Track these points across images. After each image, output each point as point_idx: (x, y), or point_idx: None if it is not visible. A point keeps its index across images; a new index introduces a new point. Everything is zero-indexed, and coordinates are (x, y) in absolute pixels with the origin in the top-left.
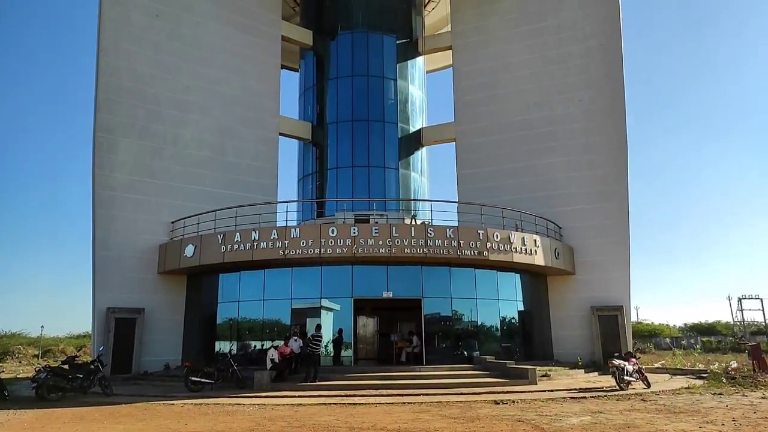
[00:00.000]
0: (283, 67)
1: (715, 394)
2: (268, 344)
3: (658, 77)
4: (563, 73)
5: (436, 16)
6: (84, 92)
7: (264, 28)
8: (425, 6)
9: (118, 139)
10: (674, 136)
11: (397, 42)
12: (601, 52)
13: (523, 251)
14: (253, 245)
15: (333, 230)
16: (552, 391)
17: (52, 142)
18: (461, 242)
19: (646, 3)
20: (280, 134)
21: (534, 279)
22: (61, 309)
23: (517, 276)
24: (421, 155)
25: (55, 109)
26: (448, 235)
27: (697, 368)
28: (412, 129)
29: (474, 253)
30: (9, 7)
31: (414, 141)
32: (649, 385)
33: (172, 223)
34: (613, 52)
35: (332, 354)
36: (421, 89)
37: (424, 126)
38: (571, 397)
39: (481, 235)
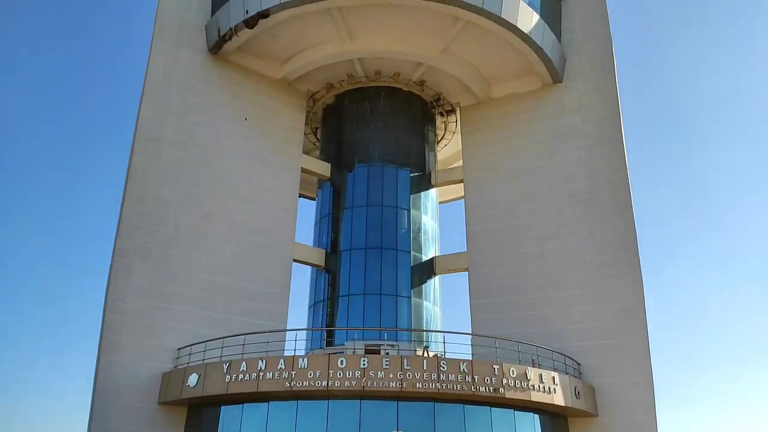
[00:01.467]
0: (300, 196)
1: None
2: None
3: (673, 219)
4: (572, 207)
5: (448, 151)
6: (102, 215)
7: (286, 161)
8: (438, 142)
9: (134, 264)
10: (695, 271)
11: (411, 174)
12: (609, 188)
13: (541, 389)
14: (259, 375)
15: (342, 361)
16: None
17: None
18: (476, 377)
19: (647, 138)
20: (294, 260)
21: (554, 421)
22: None
23: (536, 417)
24: (434, 284)
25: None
26: (462, 370)
27: None
28: (424, 258)
29: (489, 389)
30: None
31: (427, 270)
32: None
33: (178, 350)
34: (620, 187)
35: None
36: (434, 219)
37: (436, 255)
38: None
39: (496, 370)
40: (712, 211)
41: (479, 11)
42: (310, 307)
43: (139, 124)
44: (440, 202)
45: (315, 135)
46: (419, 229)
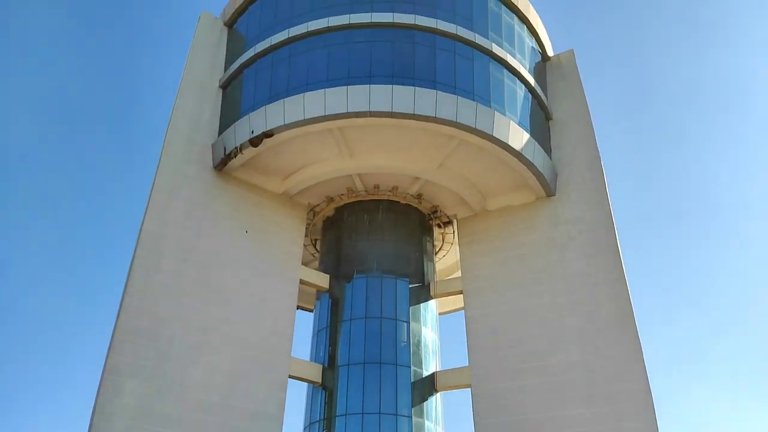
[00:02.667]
0: (298, 308)
1: None
2: None
3: (681, 327)
4: (575, 319)
5: (447, 261)
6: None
7: (285, 273)
8: (436, 253)
9: (124, 381)
10: (706, 385)
11: (410, 286)
12: (611, 298)
13: None
14: None
15: None
16: None
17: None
18: None
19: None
20: (290, 377)
21: None
22: None
23: None
24: (435, 401)
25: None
26: None
27: None
28: (425, 372)
29: None
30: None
31: (428, 386)
32: None
33: None
34: (622, 298)
35: None
36: (434, 331)
37: (438, 370)
38: None
39: None
40: (720, 318)
41: (472, 130)
42: (305, 429)
43: (141, 238)
44: (440, 314)
45: (314, 246)
46: (419, 342)
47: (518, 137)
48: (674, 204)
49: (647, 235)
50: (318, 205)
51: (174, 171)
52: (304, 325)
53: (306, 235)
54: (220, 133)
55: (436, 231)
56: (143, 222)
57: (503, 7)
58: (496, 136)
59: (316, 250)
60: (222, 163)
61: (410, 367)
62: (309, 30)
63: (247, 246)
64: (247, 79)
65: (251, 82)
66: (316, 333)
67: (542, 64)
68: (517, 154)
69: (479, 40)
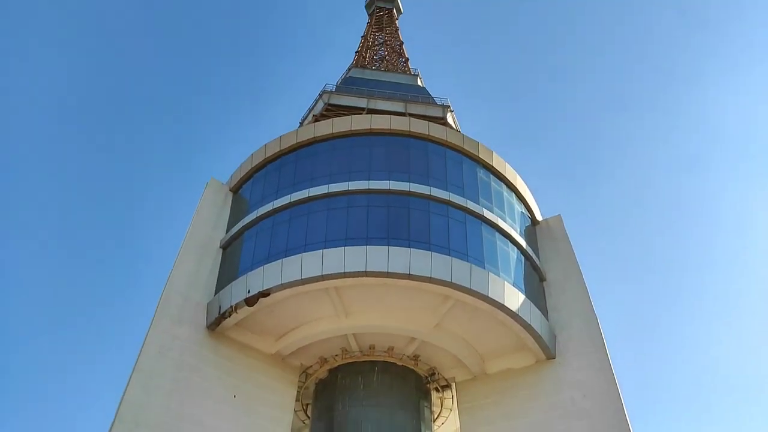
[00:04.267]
0: None
1: None
2: None
3: None
4: None
5: (446, 429)
6: None
7: None
8: (435, 420)
9: None
10: None
11: None
12: None
13: None
14: None
15: None
16: None
17: None
18: None
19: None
20: None
21: None
22: None
23: None
24: None
25: None
26: None
27: None
28: None
29: None
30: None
31: None
32: None
33: None
34: None
35: None
36: None
37: None
38: None
39: None
40: None
41: (467, 291)
42: None
43: (121, 407)
44: None
45: (305, 412)
46: None
47: (514, 298)
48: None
49: (655, 403)
50: (311, 366)
51: (166, 331)
52: None
53: (297, 400)
54: (216, 292)
55: (435, 395)
56: (126, 389)
57: (492, 176)
58: (492, 297)
59: (307, 416)
60: (215, 323)
61: None
62: (310, 195)
63: (235, 413)
64: (247, 240)
65: (251, 243)
66: None
67: (532, 227)
68: (513, 315)
69: (471, 205)
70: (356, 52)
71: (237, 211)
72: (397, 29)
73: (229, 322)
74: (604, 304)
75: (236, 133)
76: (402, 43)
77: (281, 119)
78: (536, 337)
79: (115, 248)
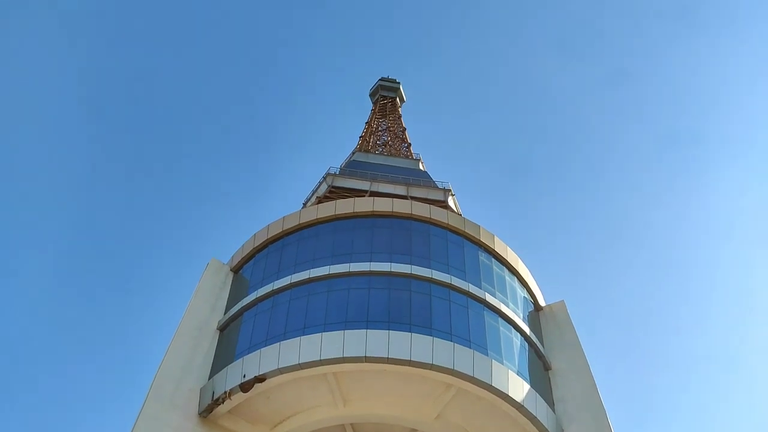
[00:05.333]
0: None
1: None
2: None
3: None
4: None
5: None
6: None
7: None
8: None
9: None
10: None
11: None
12: None
13: None
14: None
15: None
16: None
17: None
18: None
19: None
20: None
21: None
22: None
23: None
24: None
25: None
26: None
27: None
28: None
29: None
30: None
31: None
32: None
33: None
34: None
35: None
36: None
37: None
38: None
39: None
40: None
41: (470, 379)
42: None
43: None
44: None
45: None
46: None
47: (518, 388)
48: None
49: None
50: None
51: (156, 419)
52: None
53: None
54: (211, 376)
55: None
56: None
57: (493, 260)
58: (495, 386)
59: None
60: (208, 410)
61: None
62: (311, 276)
63: None
64: (245, 322)
65: (249, 324)
66: None
67: (535, 313)
68: (518, 406)
69: (473, 289)
70: (360, 137)
71: (237, 291)
72: (399, 116)
73: (222, 408)
74: (612, 394)
75: (238, 213)
76: (404, 129)
77: (284, 200)
78: (542, 430)
79: (109, 333)
